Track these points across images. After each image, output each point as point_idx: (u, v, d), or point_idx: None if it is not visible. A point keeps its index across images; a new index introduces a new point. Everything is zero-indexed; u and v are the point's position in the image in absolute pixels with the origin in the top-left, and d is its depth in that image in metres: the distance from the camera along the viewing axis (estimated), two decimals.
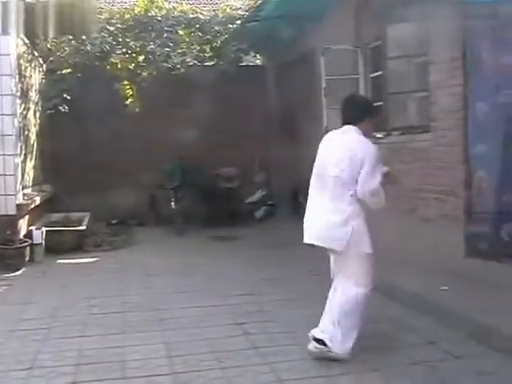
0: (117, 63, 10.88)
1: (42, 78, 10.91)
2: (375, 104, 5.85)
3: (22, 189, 8.58)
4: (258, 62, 13.63)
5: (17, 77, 8.44)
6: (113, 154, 11.45)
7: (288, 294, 6.01)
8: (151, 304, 5.82)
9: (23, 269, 7.61)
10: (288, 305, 5.65)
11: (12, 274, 7.33)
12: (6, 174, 7.98)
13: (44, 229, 8.47)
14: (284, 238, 8.93)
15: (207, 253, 8.68)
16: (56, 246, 8.56)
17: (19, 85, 8.69)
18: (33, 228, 8.38)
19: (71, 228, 9.21)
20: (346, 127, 4.42)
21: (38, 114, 10.35)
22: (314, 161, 4.49)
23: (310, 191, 4.49)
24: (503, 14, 5.11)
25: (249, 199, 11.82)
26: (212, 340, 4.64)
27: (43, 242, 8.25)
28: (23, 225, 8.41)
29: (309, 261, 7.29)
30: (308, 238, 4.39)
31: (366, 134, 4.45)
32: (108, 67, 10.84)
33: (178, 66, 10.88)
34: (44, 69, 11.03)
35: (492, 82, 5.41)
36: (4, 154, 7.97)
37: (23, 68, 9.09)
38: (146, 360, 4.23)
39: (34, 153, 9.92)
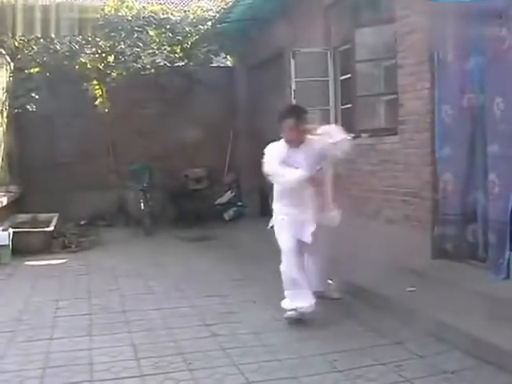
0: (86, 63, 10.78)
1: (10, 77, 10.74)
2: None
3: None
4: (228, 63, 13.63)
5: None
6: (81, 155, 11.33)
7: (255, 295, 6.01)
8: (119, 306, 5.77)
9: None
10: (255, 306, 5.66)
11: None
12: None
13: (11, 230, 8.34)
14: (252, 239, 8.94)
15: (176, 254, 8.66)
16: (23, 248, 8.42)
17: None
18: None
19: (39, 229, 9.08)
20: None
21: (4, 113, 10.18)
22: None
23: None
24: (468, 15, 5.16)
25: (218, 200, 11.83)
26: (180, 342, 4.63)
27: (10, 244, 8.12)
28: None
29: (275, 260, 7.33)
30: None
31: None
32: (77, 67, 10.72)
33: (148, 67, 10.83)
34: (11, 67, 10.86)
35: (457, 86, 5.48)
36: None
37: None
38: (114, 362, 4.19)
39: (1, 153, 9.77)
